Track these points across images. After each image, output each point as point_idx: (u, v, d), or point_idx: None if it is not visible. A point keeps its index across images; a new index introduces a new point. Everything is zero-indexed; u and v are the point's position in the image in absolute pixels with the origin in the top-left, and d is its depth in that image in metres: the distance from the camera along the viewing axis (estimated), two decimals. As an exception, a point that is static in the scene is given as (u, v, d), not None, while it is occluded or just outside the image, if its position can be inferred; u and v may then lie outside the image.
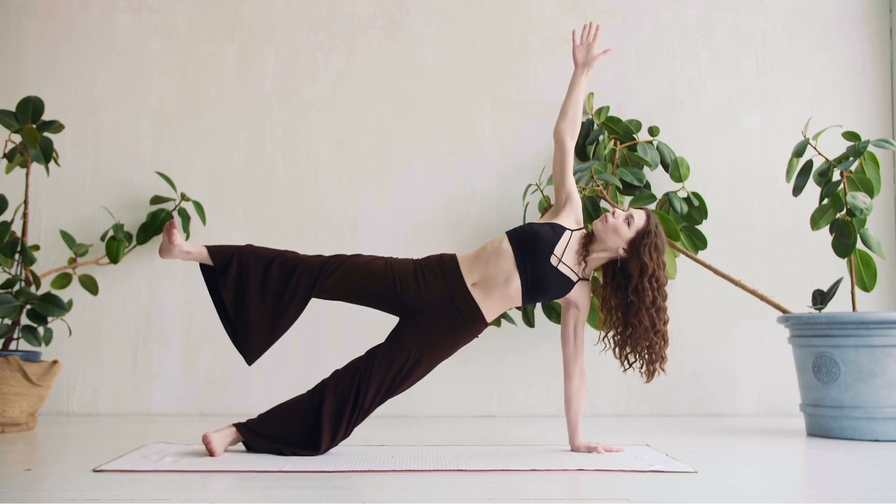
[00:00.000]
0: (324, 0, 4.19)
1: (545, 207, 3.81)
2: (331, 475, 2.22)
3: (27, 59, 4.07)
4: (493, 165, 4.14)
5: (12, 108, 3.44)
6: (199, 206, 3.88)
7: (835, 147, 3.61)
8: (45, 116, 3.48)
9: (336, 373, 2.61)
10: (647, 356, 2.62)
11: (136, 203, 4.00)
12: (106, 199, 4.00)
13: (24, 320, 3.42)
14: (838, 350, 3.14)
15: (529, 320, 3.80)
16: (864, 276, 3.40)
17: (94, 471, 2.23)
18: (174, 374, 3.94)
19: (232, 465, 2.33)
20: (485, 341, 3.66)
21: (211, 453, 2.47)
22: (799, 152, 3.49)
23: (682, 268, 3.97)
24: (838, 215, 3.38)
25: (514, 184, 4.09)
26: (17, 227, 3.56)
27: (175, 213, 3.89)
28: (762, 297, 3.56)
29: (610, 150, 3.91)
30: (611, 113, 4.09)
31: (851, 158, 3.34)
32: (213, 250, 2.62)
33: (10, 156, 3.48)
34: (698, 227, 3.83)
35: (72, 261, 3.78)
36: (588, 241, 2.65)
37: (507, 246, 2.61)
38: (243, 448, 2.60)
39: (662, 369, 2.63)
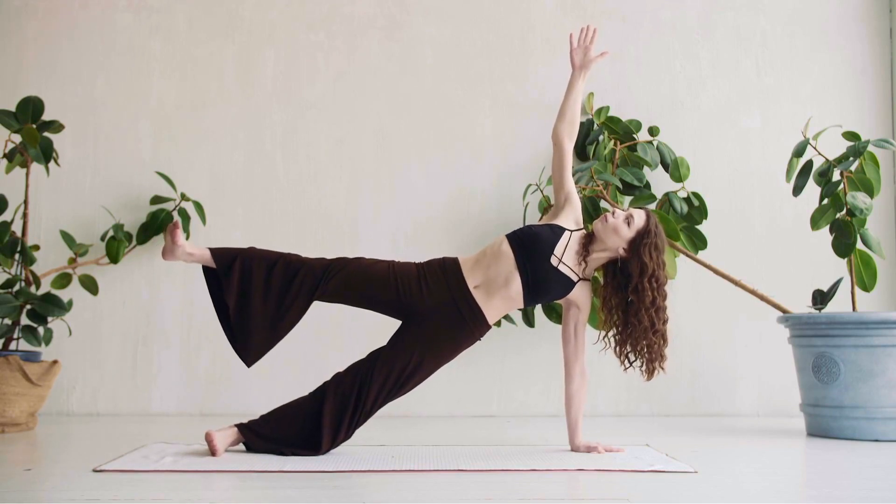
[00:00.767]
0: (324, 0, 4.19)
1: (545, 208, 3.81)
2: (331, 475, 2.22)
3: (27, 59, 4.07)
4: (493, 165, 4.14)
5: (12, 108, 3.44)
6: (199, 206, 3.88)
7: (835, 147, 3.61)
8: (45, 116, 3.48)
9: (337, 375, 2.61)
10: (647, 355, 2.62)
11: (136, 203, 4.00)
12: (106, 199, 4.00)
13: (24, 320, 3.42)
14: (838, 350, 3.14)
15: (529, 320, 3.80)
16: (864, 276, 3.40)
17: (94, 471, 2.23)
18: (174, 374, 3.94)
19: (232, 465, 2.33)
20: (485, 341, 3.64)
21: (212, 452, 2.47)
22: (799, 152, 3.49)
23: (682, 268, 3.97)
24: (838, 215, 3.38)
25: (514, 184, 4.09)
26: (17, 227, 3.56)
27: (175, 214, 3.89)
28: (762, 297, 3.56)
29: (610, 150, 3.91)
30: (611, 113, 4.09)
31: (851, 158, 3.34)
32: (215, 252, 2.62)
33: (10, 156, 3.48)
34: (698, 227, 3.84)
35: (72, 261, 3.78)
36: (588, 241, 2.65)
37: (506, 248, 2.62)
38: (243, 448, 2.60)
39: (662, 368, 2.64)
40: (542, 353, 3.97)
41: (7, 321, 3.35)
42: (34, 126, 3.37)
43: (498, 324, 3.74)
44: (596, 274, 2.87)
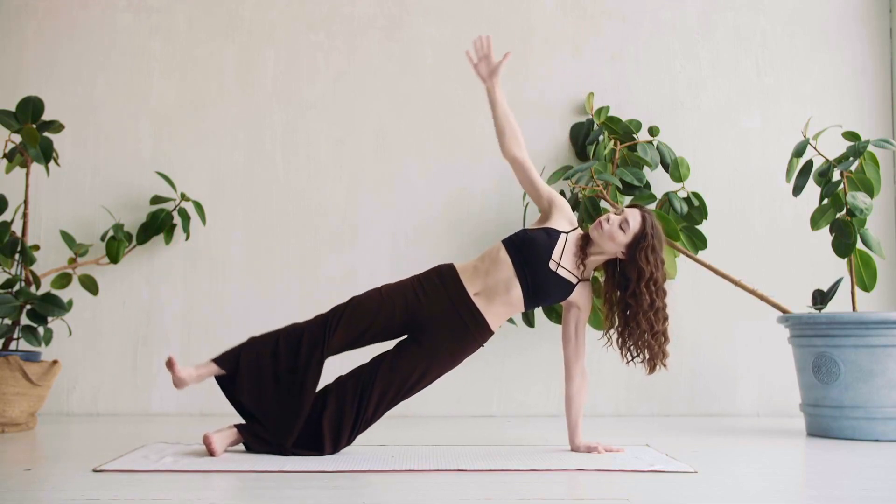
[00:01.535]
0: (324, 0, 4.19)
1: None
2: (331, 475, 2.22)
3: (27, 59, 4.07)
4: (493, 165, 4.14)
5: (12, 108, 3.44)
6: (199, 206, 3.88)
7: (835, 147, 3.61)
8: (45, 116, 3.48)
9: (339, 379, 2.60)
10: (647, 353, 2.63)
11: (136, 203, 4.00)
12: (106, 199, 4.00)
13: (24, 320, 3.42)
14: (838, 350, 3.14)
15: (529, 320, 3.80)
16: (864, 276, 3.40)
17: (94, 471, 2.23)
18: (174, 374, 3.93)
19: (232, 465, 2.33)
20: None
21: (211, 453, 2.47)
22: (799, 152, 3.49)
23: (682, 268, 3.97)
24: (838, 215, 3.38)
25: (514, 184, 4.07)
26: (17, 227, 3.55)
27: (176, 213, 3.89)
28: (762, 297, 3.55)
29: (610, 150, 3.91)
30: (611, 113, 4.10)
31: (851, 158, 3.34)
32: (220, 360, 2.61)
33: (10, 156, 3.48)
34: (698, 227, 3.83)
35: (72, 261, 3.78)
36: (585, 242, 2.65)
37: (504, 255, 2.62)
38: (243, 448, 2.60)
39: (664, 364, 2.64)
40: (542, 353, 3.97)
41: (7, 321, 3.35)
42: (34, 126, 3.36)
43: (498, 324, 3.75)
44: (596, 273, 2.87)
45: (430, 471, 2.29)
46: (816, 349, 3.21)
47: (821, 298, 3.44)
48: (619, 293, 2.65)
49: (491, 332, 2.65)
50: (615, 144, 3.95)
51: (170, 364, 2.53)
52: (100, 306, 3.94)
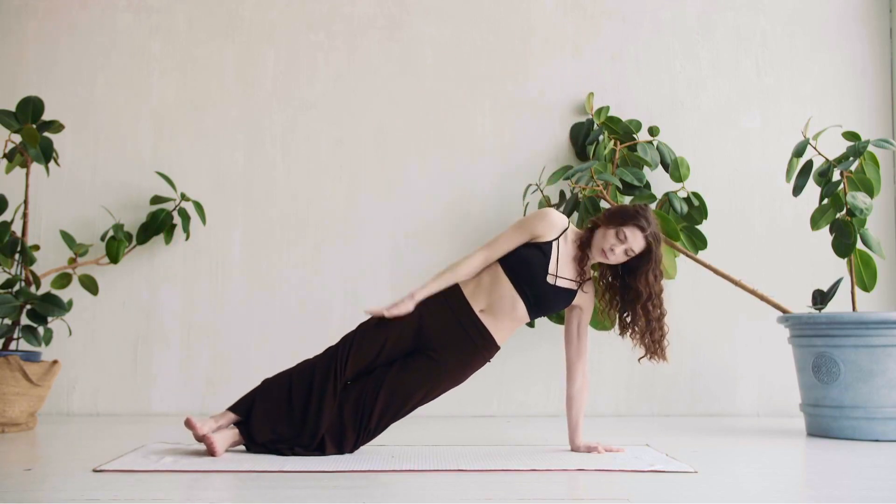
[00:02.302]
0: (324, 0, 4.19)
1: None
2: (331, 475, 2.22)
3: (27, 59, 4.07)
4: (493, 165, 4.14)
5: (12, 108, 3.44)
6: (199, 206, 3.88)
7: (835, 147, 3.61)
8: (45, 116, 3.48)
9: (345, 389, 2.59)
10: (646, 350, 2.66)
11: (136, 203, 4.00)
12: (106, 199, 4.00)
13: (24, 320, 3.42)
14: (838, 350, 3.14)
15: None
16: (864, 276, 3.40)
17: (94, 471, 2.23)
18: (174, 374, 3.94)
19: (232, 465, 2.33)
20: (485, 341, 3.66)
21: (212, 453, 2.46)
22: (799, 152, 3.49)
23: (682, 268, 3.97)
24: (838, 215, 3.38)
25: (514, 184, 4.09)
26: (17, 227, 3.55)
27: (176, 213, 3.89)
28: (762, 297, 3.55)
29: (610, 150, 3.91)
30: (611, 113, 4.10)
31: (851, 158, 3.34)
32: (236, 407, 2.59)
33: (10, 156, 3.48)
34: (698, 227, 3.83)
35: (72, 261, 3.78)
36: (585, 242, 2.64)
37: (502, 273, 2.61)
38: (243, 448, 2.59)
39: (664, 357, 2.65)
40: (542, 353, 3.97)
41: (7, 321, 3.35)
42: (34, 126, 3.36)
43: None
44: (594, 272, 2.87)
45: (430, 471, 2.29)
46: (816, 349, 3.21)
47: (821, 298, 3.44)
48: (615, 296, 2.67)
49: (498, 348, 2.67)
50: (615, 144, 3.95)
51: (189, 423, 2.48)
52: (100, 306, 3.94)
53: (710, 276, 3.85)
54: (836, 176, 3.41)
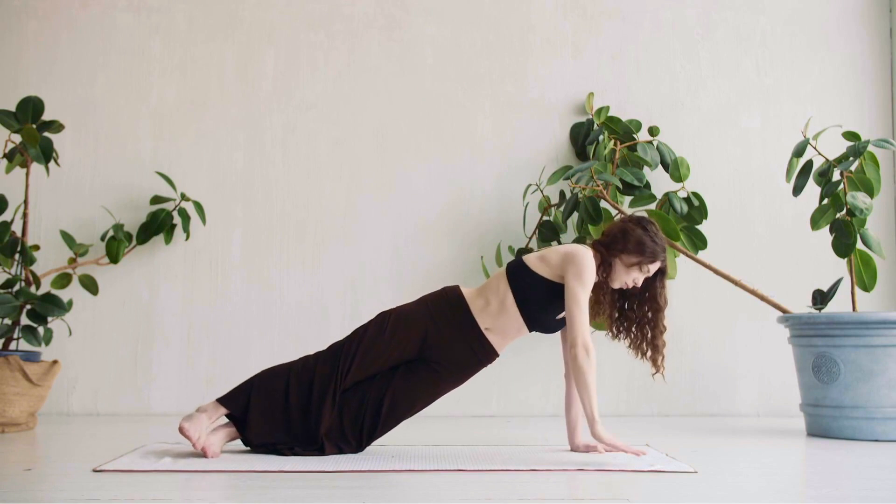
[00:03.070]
0: (324, 0, 4.19)
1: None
2: (331, 475, 2.22)
3: (27, 59, 4.07)
4: (493, 165, 4.14)
5: (12, 108, 3.44)
6: (199, 206, 3.88)
7: (835, 147, 3.62)
8: (45, 116, 3.48)
9: (345, 394, 2.57)
10: (653, 365, 2.68)
11: (136, 203, 4.00)
12: (106, 199, 4.00)
13: (24, 320, 3.42)
14: (838, 350, 3.14)
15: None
16: (864, 276, 3.40)
17: (94, 471, 2.23)
18: (174, 374, 3.94)
19: (232, 465, 2.33)
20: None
21: (211, 456, 2.46)
22: (799, 152, 3.49)
23: (682, 268, 3.97)
24: (838, 215, 3.38)
25: (514, 184, 4.09)
26: (17, 227, 3.56)
27: (176, 213, 3.89)
28: (762, 297, 3.55)
29: (610, 150, 3.91)
30: (611, 113, 4.10)
31: (851, 158, 3.34)
32: (227, 400, 2.54)
33: (10, 156, 3.48)
34: (698, 227, 3.83)
35: (72, 261, 3.78)
36: (603, 270, 2.61)
37: (511, 304, 2.56)
38: (243, 448, 2.59)
39: (662, 354, 2.67)
40: (541, 353, 3.96)
41: (7, 321, 3.35)
42: (34, 126, 3.36)
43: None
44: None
45: (430, 471, 2.29)
46: (816, 349, 3.21)
47: (821, 298, 3.44)
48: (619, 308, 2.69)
49: (497, 356, 2.67)
50: (615, 144, 3.95)
51: (184, 433, 2.44)
52: (100, 306, 3.94)
53: (710, 276, 3.85)
54: (836, 176, 3.41)
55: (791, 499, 2.02)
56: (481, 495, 1.97)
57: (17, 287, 3.38)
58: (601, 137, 3.93)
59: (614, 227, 2.64)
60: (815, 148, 3.47)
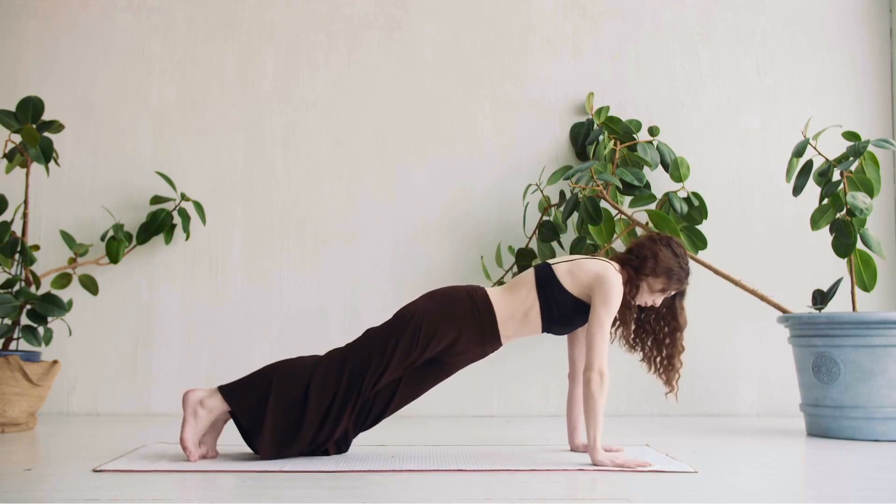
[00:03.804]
0: (324, 0, 4.19)
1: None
2: (331, 475, 2.22)
3: (27, 59, 4.07)
4: (493, 165, 4.14)
5: (12, 108, 3.44)
6: (199, 206, 3.88)
7: (835, 147, 3.62)
8: (45, 116, 3.48)
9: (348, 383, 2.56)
10: (667, 382, 2.71)
11: (136, 203, 4.00)
12: (106, 199, 4.00)
13: (24, 320, 3.42)
14: (838, 350, 3.14)
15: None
16: (864, 276, 3.40)
17: (94, 471, 2.23)
18: (174, 374, 3.94)
19: (232, 465, 2.33)
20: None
21: (210, 458, 2.46)
22: (799, 152, 3.49)
23: (682, 268, 3.97)
24: (838, 215, 3.38)
25: (514, 184, 4.09)
26: (17, 227, 3.56)
27: (176, 213, 3.89)
28: (762, 297, 3.55)
29: (610, 150, 3.91)
30: (611, 113, 4.09)
31: (851, 158, 3.34)
32: (235, 401, 2.41)
33: (10, 156, 3.48)
34: (698, 226, 3.83)
35: (72, 261, 3.78)
36: (628, 289, 2.60)
37: (536, 316, 2.54)
38: (243, 448, 2.59)
39: (679, 374, 2.69)
40: (542, 353, 3.96)
41: (7, 321, 3.35)
42: (34, 126, 3.36)
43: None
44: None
45: (430, 471, 2.29)
46: (816, 349, 3.21)
47: (821, 298, 3.44)
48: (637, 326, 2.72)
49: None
50: (615, 144, 3.95)
51: (183, 446, 2.39)
52: (100, 306, 3.94)
53: (710, 276, 3.84)
54: (836, 176, 3.41)
55: (791, 499, 2.02)
56: (481, 495, 1.97)
57: (17, 287, 3.38)
58: (601, 137, 3.93)
59: (644, 248, 2.61)
60: (815, 148, 3.47)
